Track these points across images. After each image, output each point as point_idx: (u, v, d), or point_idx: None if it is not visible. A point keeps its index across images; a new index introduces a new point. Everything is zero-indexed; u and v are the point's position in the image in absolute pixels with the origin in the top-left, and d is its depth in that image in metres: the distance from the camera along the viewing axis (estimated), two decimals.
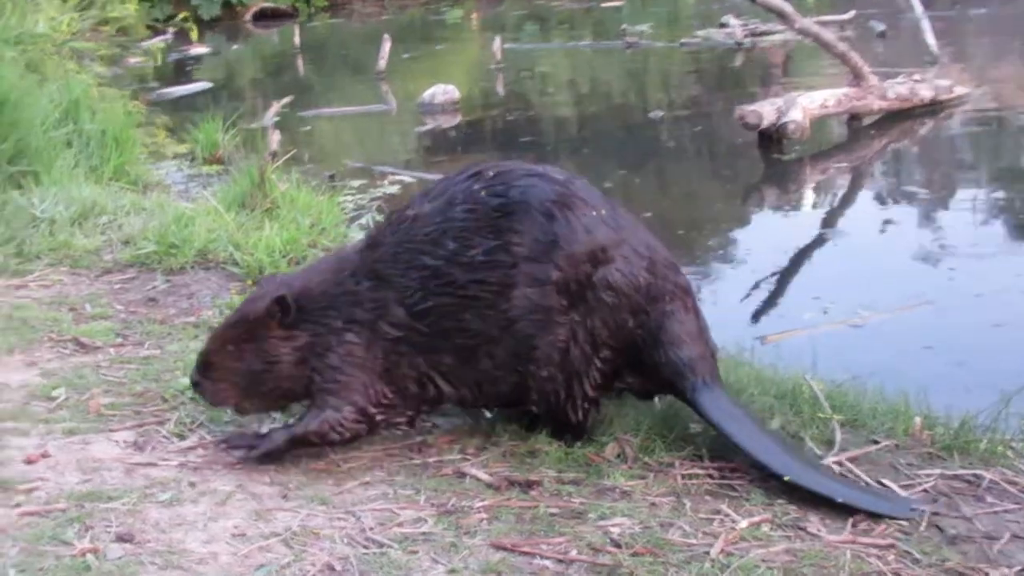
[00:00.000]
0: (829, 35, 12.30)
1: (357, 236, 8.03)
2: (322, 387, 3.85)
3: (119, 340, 5.30)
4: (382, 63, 16.63)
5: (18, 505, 3.48)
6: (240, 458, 3.84)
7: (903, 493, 3.68)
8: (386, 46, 16.63)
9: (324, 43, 23.88)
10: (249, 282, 6.43)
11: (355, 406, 3.82)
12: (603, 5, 26.00)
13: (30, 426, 4.18)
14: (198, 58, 22.07)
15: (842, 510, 3.55)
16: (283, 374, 3.89)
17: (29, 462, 3.82)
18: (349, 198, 9.04)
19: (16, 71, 8.86)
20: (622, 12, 24.23)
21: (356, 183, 9.94)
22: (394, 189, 9.79)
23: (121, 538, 3.27)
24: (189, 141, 11.29)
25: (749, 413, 4.02)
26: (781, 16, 11.92)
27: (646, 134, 12.06)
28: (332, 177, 9.79)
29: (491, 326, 3.77)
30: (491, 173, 3.88)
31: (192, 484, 3.71)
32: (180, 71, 20.08)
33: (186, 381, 4.44)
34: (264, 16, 28.68)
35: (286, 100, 14.03)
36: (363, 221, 8.44)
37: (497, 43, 16.95)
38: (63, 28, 12.27)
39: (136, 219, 7.37)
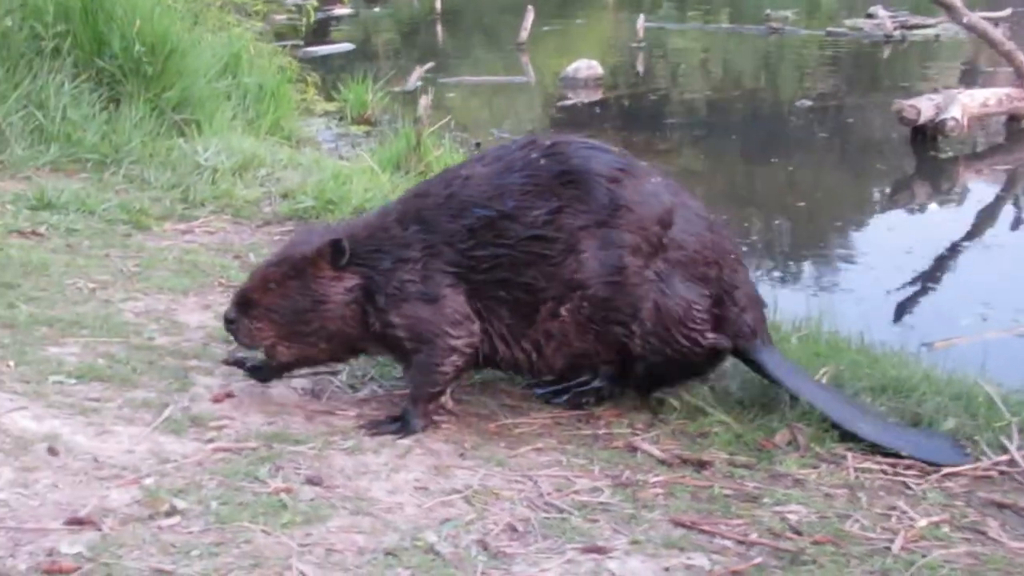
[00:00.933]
0: (996, 32, 11.91)
1: None
2: (391, 335, 3.87)
3: None
4: (523, 35, 16.66)
5: (211, 441, 3.61)
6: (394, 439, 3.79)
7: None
8: (529, 18, 16.65)
9: (461, 10, 23.98)
10: None
11: (434, 344, 3.82)
12: None
13: (212, 366, 4.33)
14: (339, 19, 22.37)
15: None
16: (330, 315, 3.87)
17: (216, 401, 3.97)
18: None
19: (186, 23, 9.09)
20: None
21: None
22: None
23: (311, 481, 3.38)
24: (338, 100, 11.49)
25: (806, 372, 4.25)
26: (948, 9, 11.57)
27: (795, 123, 11.84)
28: (479, 145, 9.86)
29: (558, 285, 3.81)
30: (547, 142, 3.95)
31: (370, 435, 3.81)
32: (321, 31, 20.38)
33: None
34: None
35: (428, 66, 14.16)
36: None
37: (640, 21, 16.84)
38: None
39: (293, 173, 7.53)
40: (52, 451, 3.31)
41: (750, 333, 4.08)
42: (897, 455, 3.84)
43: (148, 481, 3.24)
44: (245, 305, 3.93)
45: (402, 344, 3.88)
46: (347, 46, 17.73)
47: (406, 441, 3.76)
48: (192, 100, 8.48)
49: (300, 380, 4.25)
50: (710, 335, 3.98)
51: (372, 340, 3.95)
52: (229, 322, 3.96)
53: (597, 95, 13.18)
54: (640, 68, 15.59)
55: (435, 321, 3.80)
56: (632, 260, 3.84)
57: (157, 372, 4.19)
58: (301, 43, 17.74)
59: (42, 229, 5.97)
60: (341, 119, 11.30)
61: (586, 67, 13.61)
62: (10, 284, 5.01)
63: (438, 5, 21.64)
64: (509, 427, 3.98)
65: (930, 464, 3.79)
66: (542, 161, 3.87)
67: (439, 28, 21.02)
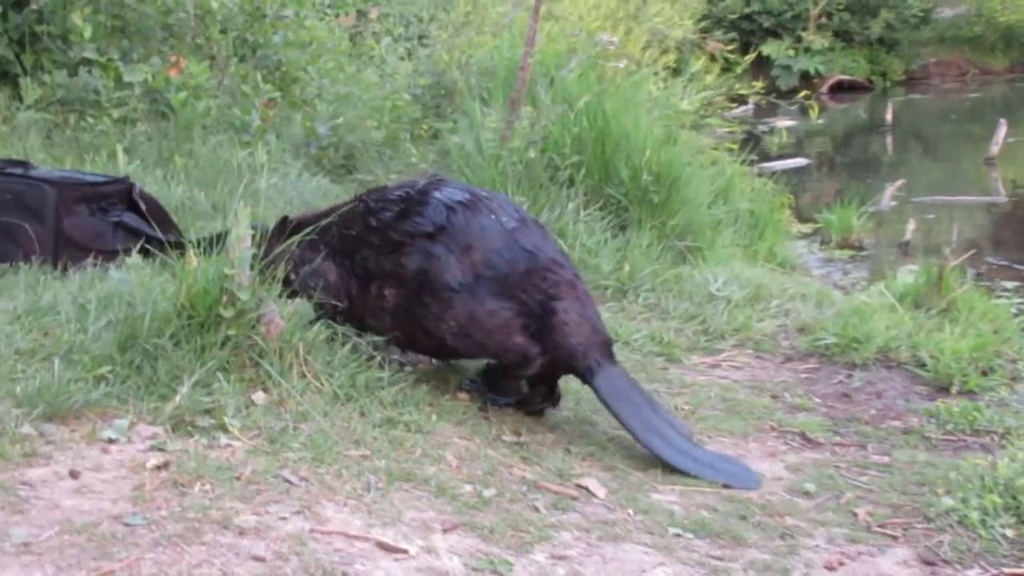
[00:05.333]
0: None
1: None
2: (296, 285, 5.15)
3: (837, 438, 5.34)
4: (995, 149, 15.77)
5: None
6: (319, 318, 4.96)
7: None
8: (1002, 131, 15.74)
9: (910, 120, 23.17)
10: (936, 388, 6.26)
11: (305, 292, 5.04)
12: None
13: (808, 525, 4.28)
14: (783, 131, 22.29)
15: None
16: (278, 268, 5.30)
17: (829, 568, 3.90)
18: (1008, 300, 8.49)
19: (686, 152, 9.38)
20: None
21: (1009, 284, 9.36)
22: None
23: None
24: (819, 222, 11.38)
25: (647, 399, 4.99)
26: None
27: None
28: (979, 275, 9.31)
29: (381, 271, 4.87)
30: (440, 177, 5.19)
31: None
32: (755, 142, 20.35)
33: (950, 502, 4.36)
34: (839, 88, 28.49)
35: (899, 183, 13.70)
36: None
37: None
38: (696, 104, 12.90)
39: (803, 306, 7.45)
40: None
41: (581, 355, 4.76)
42: None
43: None
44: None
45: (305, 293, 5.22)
46: (801, 161, 17.64)
47: None
48: (693, 227, 8.71)
49: (901, 549, 4.10)
50: (519, 339, 4.75)
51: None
52: None
53: None
54: None
55: (303, 276, 5.05)
56: (441, 269, 4.73)
57: (758, 529, 4.19)
58: (755, 158, 17.89)
59: None
60: (822, 242, 11.16)
61: None
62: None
63: (888, 117, 21.01)
64: None
65: (726, 487, 4.53)
66: (420, 184, 4.98)
67: (889, 140, 20.35)
